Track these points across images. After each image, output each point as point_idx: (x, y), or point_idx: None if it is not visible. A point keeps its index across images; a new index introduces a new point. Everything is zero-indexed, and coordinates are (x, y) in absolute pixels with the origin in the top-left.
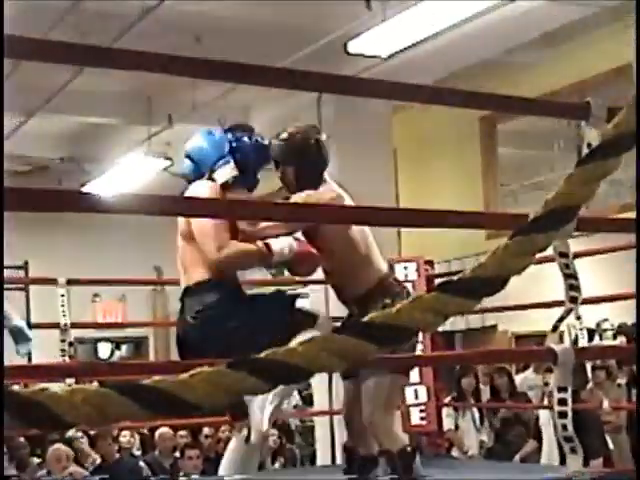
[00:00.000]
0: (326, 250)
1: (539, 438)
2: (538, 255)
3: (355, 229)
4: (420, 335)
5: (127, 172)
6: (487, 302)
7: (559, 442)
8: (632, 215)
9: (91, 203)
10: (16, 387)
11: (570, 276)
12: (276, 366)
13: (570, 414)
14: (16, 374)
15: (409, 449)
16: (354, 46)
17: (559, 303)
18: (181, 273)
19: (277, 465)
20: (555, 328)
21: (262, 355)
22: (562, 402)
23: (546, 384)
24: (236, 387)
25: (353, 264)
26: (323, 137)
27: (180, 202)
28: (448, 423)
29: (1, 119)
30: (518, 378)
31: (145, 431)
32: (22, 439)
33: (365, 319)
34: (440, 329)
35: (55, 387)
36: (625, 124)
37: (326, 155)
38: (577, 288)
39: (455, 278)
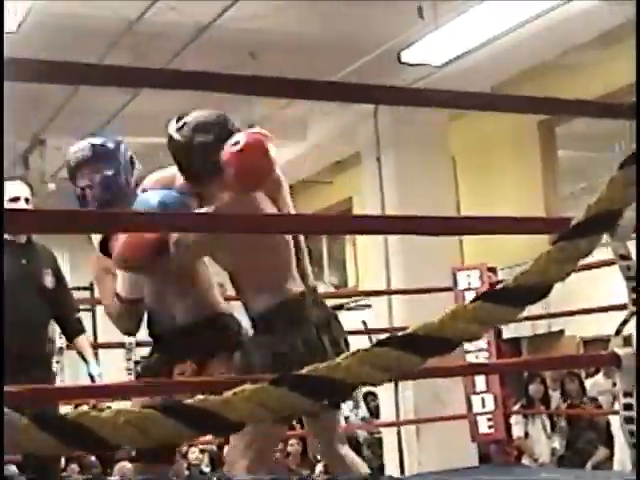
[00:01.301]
0: None
1: (611, 444)
2: (604, 257)
3: None
4: (485, 342)
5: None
6: (553, 307)
7: None
8: None
9: (134, 222)
10: (68, 408)
11: (632, 278)
12: (319, 381)
13: (636, 420)
14: (83, 394)
15: None
16: (407, 56)
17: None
18: None
19: None
20: (618, 332)
21: (304, 371)
22: (628, 407)
23: (614, 384)
24: (279, 404)
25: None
26: None
27: (230, 219)
28: (517, 431)
29: (1, 122)
30: (588, 383)
31: (214, 447)
32: (93, 458)
33: (409, 331)
34: (506, 336)
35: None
36: None
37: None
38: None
39: (498, 287)
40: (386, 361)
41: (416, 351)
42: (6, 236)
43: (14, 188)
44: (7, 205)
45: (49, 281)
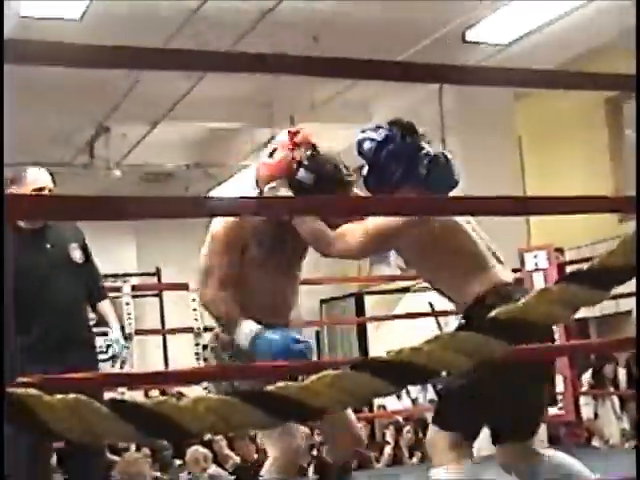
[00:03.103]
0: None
1: None
2: None
3: None
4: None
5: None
6: (622, 286)
7: None
8: None
9: (203, 208)
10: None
11: None
12: (402, 367)
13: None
14: (151, 380)
15: None
16: (472, 35)
17: None
18: None
19: (415, 460)
20: None
21: (387, 356)
22: None
23: None
24: (361, 389)
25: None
26: None
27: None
28: (587, 412)
29: (1, 120)
30: None
31: None
32: (165, 441)
33: (491, 315)
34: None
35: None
36: None
37: None
38: None
39: (584, 268)
40: (470, 346)
41: (500, 335)
42: (22, 224)
43: (42, 177)
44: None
45: (78, 256)
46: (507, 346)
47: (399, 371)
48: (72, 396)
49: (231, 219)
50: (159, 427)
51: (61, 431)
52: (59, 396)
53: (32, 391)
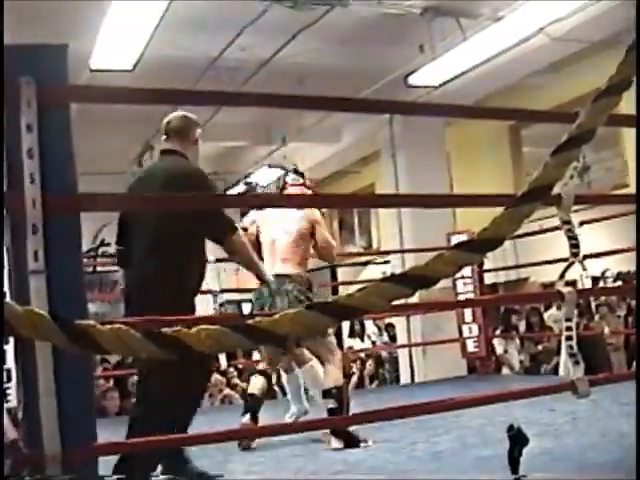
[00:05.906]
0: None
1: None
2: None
3: None
4: (472, 287)
5: (257, 179)
6: (522, 260)
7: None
8: (623, 191)
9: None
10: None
11: (572, 238)
12: (339, 307)
13: (575, 338)
14: (186, 321)
15: None
16: (412, 80)
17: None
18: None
19: (374, 385)
20: (562, 276)
21: (329, 300)
22: (568, 329)
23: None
24: (312, 323)
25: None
26: None
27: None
28: (499, 349)
29: (1, 119)
30: (546, 314)
31: None
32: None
33: (404, 270)
34: (487, 282)
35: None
36: (585, 124)
37: None
38: (577, 246)
39: (466, 239)
40: (386, 292)
41: (408, 285)
42: None
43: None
44: None
45: None
46: (412, 292)
47: (337, 310)
48: (116, 326)
49: None
50: (173, 346)
51: (109, 349)
52: (108, 326)
53: (91, 323)
